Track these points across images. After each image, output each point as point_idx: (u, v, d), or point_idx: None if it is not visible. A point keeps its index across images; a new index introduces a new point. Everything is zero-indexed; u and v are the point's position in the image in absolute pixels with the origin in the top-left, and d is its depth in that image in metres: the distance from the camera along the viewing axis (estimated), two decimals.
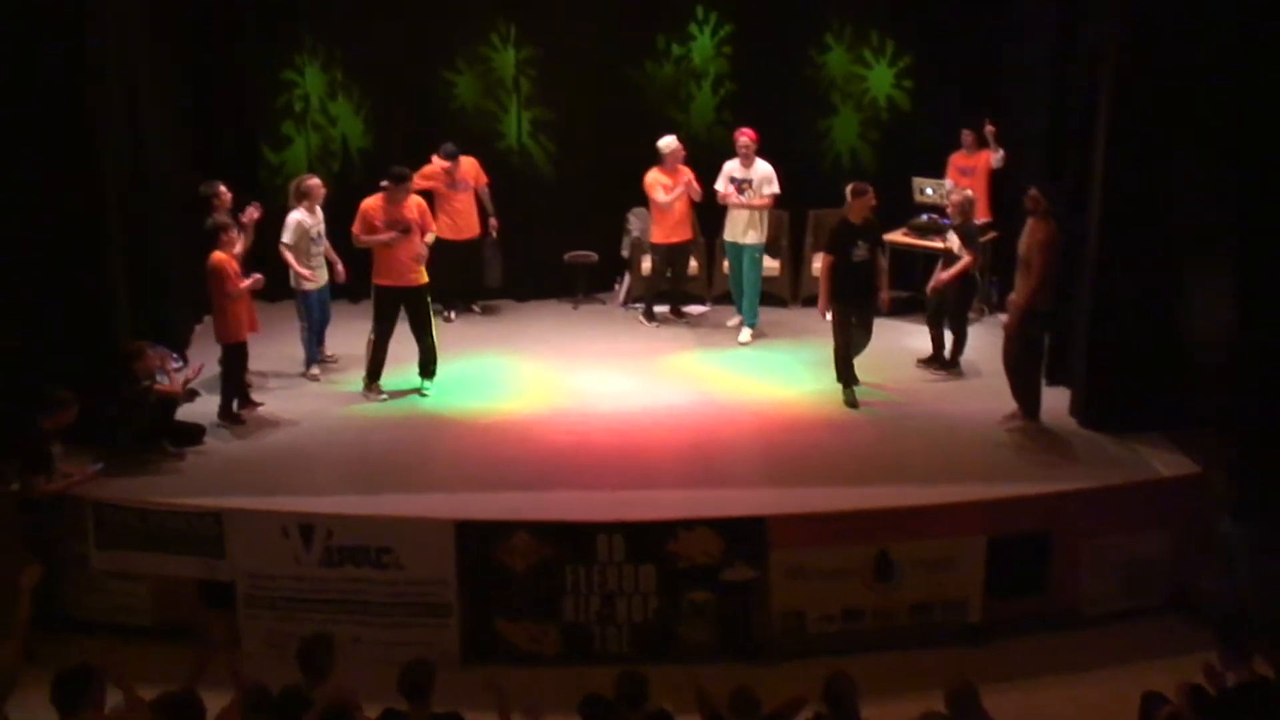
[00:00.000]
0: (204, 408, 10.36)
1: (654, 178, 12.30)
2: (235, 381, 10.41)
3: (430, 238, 11.04)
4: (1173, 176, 9.63)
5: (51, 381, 8.89)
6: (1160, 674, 8.25)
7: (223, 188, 10.84)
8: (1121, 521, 9.08)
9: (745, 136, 12.10)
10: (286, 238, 10.97)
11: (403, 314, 11.01)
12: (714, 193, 12.28)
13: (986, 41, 12.69)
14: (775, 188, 12.09)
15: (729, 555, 8.67)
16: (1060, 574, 9.06)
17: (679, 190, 12.22)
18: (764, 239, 12.28)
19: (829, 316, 10.93)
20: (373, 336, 10.91)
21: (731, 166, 12.21)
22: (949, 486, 9.24)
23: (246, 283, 10.24)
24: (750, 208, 12.08)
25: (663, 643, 8.77)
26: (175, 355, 10.52)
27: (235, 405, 10.41)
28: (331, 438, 10.22)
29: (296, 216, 11.00)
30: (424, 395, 11.05)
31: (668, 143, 12.25)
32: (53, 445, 8.77)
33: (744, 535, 8.69)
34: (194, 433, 9.97)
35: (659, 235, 12.53)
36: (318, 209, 11.11)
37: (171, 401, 9.80)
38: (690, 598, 8.72)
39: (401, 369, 11.37)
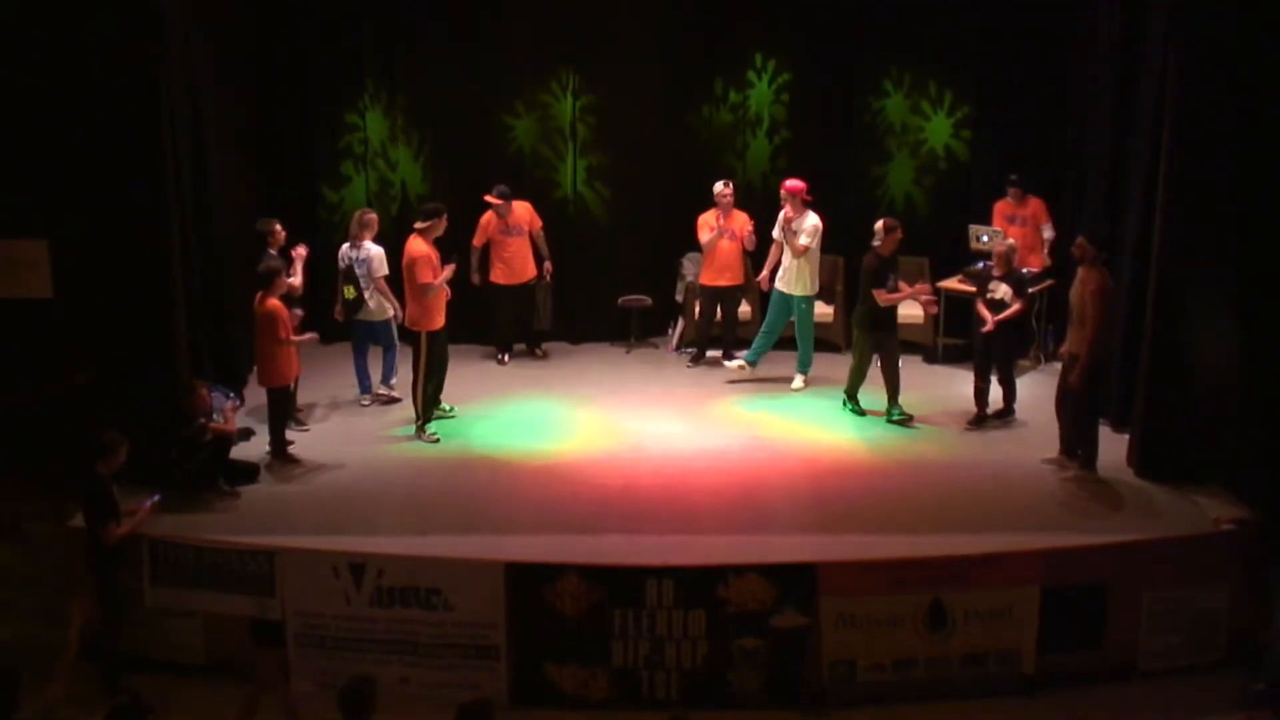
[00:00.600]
0: (259, 447, 10.45)
1: (704, 219, 12.46)
2: (282, 423, 10.47)
3: (448, 272, 10.99)
4: (1233, 228, 9.59)
5: (106, 423, 8.93)
6: None
7: (278, 226, 10.98)
8: (1180, 574, 9.00)
9: (785, 187, 12.11)
10: (384, 269, 11.27)
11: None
12: (769, 240, 12.33)
13: (1045, 91, 12.67)
14: (807, 240, 11.95)
15: (779, 602, 8.65)
16: (1117, 626, 8.97)
17: (715, 234, 12.28)
18: (813, 290, 12.22)
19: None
20: (422, 381, 10.93)
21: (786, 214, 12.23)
22: (1003, 535, 9.17)
23: (300, 338, 10.38)
24: (795, 250, 12.07)
25: (712, 689, 8.72)
26: (231, 394, 10.60)
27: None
28: (383, 479, 10.24)
29: (378, 249, 11.28)
30: (452, 413, 11.35)
31: (718, 187, 12.33)
32: (113, 488, 8.79)
33: (794, 581, 8.66)
34: (249, 471, 10.02)
35: (705, 276, 12.63)
36: None
37: (227, 440, 9.85)
38: (740, 644, 8.69)
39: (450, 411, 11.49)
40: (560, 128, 13.14)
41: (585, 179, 13.25)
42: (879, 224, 11.28)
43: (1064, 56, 12.49)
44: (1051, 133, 12.70)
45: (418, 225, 10.94)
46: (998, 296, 10.99)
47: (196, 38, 10.77)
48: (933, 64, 13.09)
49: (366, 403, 11.65)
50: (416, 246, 10.80)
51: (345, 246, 11.44)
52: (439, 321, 10.92)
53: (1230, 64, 9.40)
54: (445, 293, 10.96)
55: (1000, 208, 12.64)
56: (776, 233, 12.20)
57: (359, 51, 12.98)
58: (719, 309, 12.73)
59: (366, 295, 11.34)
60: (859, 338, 11.48)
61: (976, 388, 11.23)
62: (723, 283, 12.56)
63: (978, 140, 13.14)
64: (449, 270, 10.89)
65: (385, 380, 11.76)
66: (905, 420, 11.26)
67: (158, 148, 9.71)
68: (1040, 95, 12.72)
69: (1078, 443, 10.22)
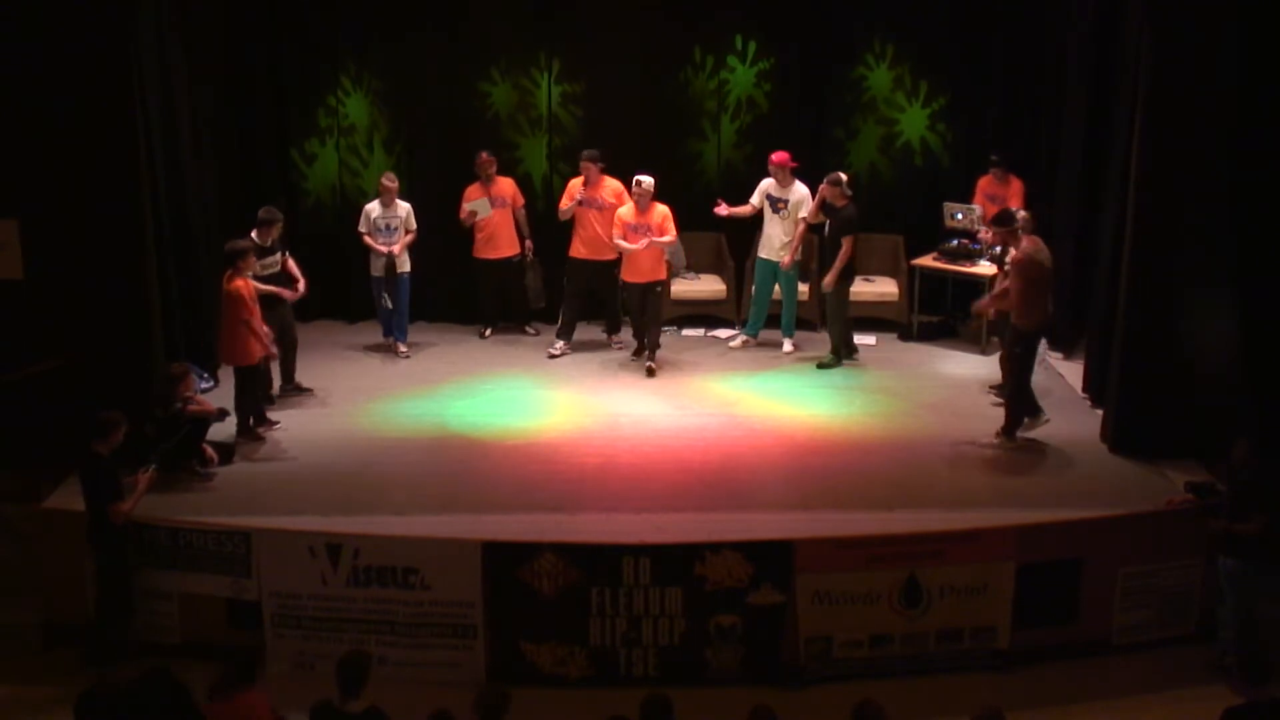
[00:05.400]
0: (232, 428, 10.34)
1: (619, 215, 12.01)
2: (250, 402, 10.41)
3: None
4: (1210, 206, 9.64)
5: (95, 403, 8.86)
6: (1191, 702, 8.28)
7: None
8: (1153, 549, 9.01)
9: (773, 162, 12.07)
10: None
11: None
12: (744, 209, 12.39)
13: (1022, 75, 12.74)
14: (806, 212, 12.06)
15: (756, 579, 8.64)
16: (1091, 601, 8.99)
17: (644, 241, 11.88)
18: (800, 257, 12.29)
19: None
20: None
21: (768, 184, 12.23)
22: (979, 511, 9.18)
23: (263, 331, 10.32)
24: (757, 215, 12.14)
25: (689, 666, 8.73)
26: (204, 374, 10.53)
27: (251, 422, 10.42)
28: (359, 458, 10.18)
29: (407, 204, 12.08)
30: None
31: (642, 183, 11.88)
32: (115, 467, 8.73)
33: (771, 559, 8.66)
34: (224, 452, 9.94)
35: (626, 273, 12.06)
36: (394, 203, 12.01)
37: (204, 421, 9.76)
38: (717, 621, 8.70)
39: (427, 390, 11.52)
40: (540, 114, 13.04)
41: (553, 157, 13.15)
42: (845, 176, 11.81)
43: (1040, 41, 12.52)
44: (1028, 115, 12.74)
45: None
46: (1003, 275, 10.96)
47: (169, 15, 10.66)
48: (910, 47, 13.00)
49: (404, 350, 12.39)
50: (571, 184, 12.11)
51: (376, 213, 11.92)
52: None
53: (1204, 43, 9.43)
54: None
55: (982, 184, 12.64)
56: (756, 199, 12.24)
57: (335, 32, 12.86)
58: (644, 305, 12.02)
59: (398, 251, 11.95)
60: (842, 290, 11.87)
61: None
62: (643, 279, 11.92)
63: (954, 132, 13.12)
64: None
65: (398, 337, 12.38)
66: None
67: (129, 123, 9.66)
68: (1017, 80, 12.75)
69: (1021, 411, 10.32)
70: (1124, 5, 10.51)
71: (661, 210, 11.81)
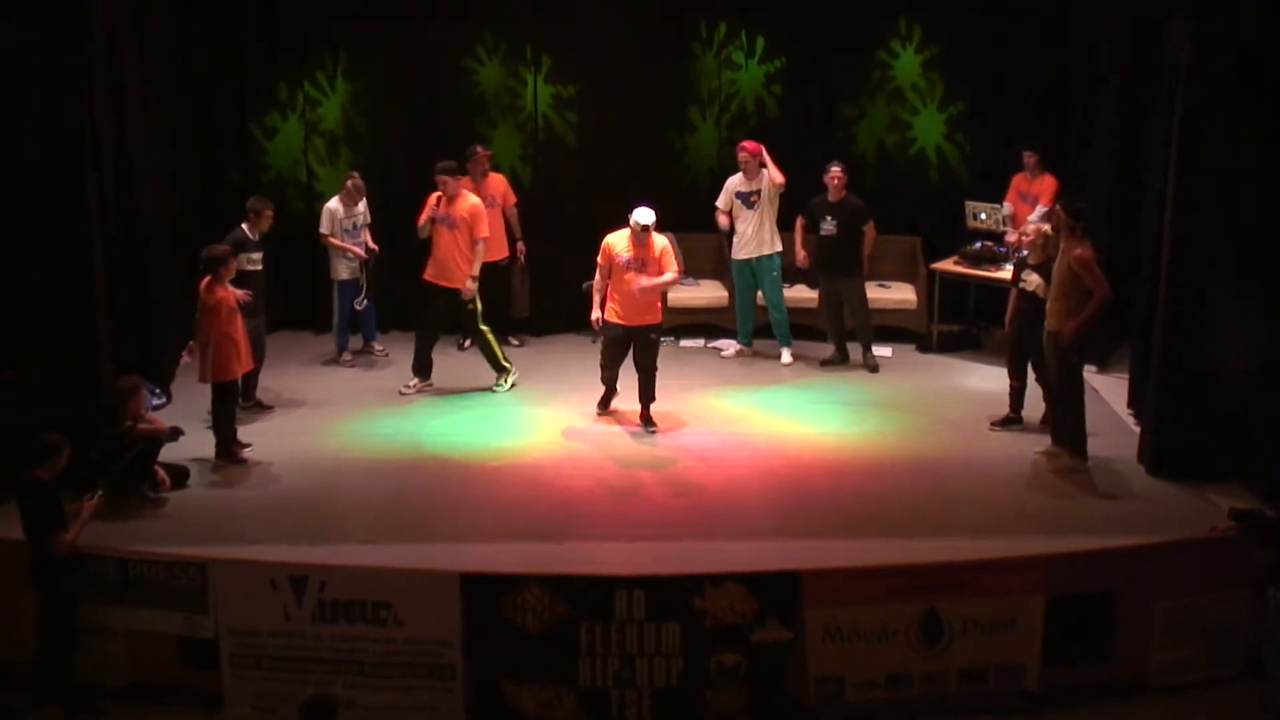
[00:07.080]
0: (186, 449, 9.95)
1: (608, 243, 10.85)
2: (229, 420, 10.09)
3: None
4: (1254, 214, 9.39)
5: (36, 421, 8.53)
6: None
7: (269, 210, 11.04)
8: (1195, 581, 8.71)
9: (745, 151, 11.89)
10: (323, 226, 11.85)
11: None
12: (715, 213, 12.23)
13: (1047, 74, 12.55)
14: (778, 187, 11.93)
15: (761, 613, 8.35)
16: (1127, 638, 8.68)
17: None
18: (777, 249, 11.99)
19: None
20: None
21: (735, 181, 12.01)
22: (1004, 540, 8.91)
23: (240, 293, 10.09)
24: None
25: (688, 709, 8.42)
26: (156, 390, 10.27)
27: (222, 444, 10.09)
28: (327, 482, 9.89)
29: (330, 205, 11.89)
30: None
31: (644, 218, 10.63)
32: (58, 494, 8.39)
33: (777, 591, 8.37)
34: (179, 475, 9.61)
35: (623, 315, 10.74)
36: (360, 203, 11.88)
37: (155, 441, 9.43)
38: (718, 660, 8.39)
39: (400, 406, 11.31)
40: (527, 113, 12.83)
41: (535, 152, 12.93)
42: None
43: (1067, 43, 12.35)
44: (1053, 120, 12.56)
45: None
46: (1030, 288, 10.39)
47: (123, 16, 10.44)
48: (937, 33, 12.78)
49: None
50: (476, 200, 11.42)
51: (341, 214, 11.69)
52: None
53: (1245, 36, 9.19)
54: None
55: (1016, 181, 12.49)
56: (723, 202, 12.03)
57: (305, 27, 12.71)
58: (632, 352, 10.83)
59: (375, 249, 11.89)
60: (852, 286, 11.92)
61: (1011, 387, 10.68)
62: (632, 322, 10.66)
63: (971, 144, 12.94)
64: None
65: (372, 337, 12.36)
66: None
67: (76, 117, 9.43)
68: (1042, 80, 12.55)
69: (1060, 427, 10.02)
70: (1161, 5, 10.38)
71: (661, 242, 10.54)
